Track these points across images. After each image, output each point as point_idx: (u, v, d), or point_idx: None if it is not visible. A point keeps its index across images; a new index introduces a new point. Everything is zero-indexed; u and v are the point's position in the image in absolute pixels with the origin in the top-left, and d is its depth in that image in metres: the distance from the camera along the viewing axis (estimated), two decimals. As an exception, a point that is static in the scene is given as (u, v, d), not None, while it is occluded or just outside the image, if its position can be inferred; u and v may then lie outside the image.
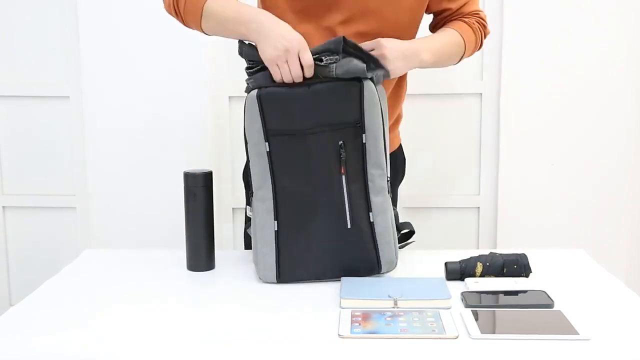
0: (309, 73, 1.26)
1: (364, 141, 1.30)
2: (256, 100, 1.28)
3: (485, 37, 1.58)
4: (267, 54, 1.27)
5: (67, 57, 2.31)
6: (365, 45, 1.35)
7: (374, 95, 1.29)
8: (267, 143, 1.30)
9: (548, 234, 2.28)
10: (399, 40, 1.40)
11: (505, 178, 2.28)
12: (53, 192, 2.39)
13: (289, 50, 1.25)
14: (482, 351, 1.02)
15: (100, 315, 1.18)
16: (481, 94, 2.27)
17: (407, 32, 1.49)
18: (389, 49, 1.36)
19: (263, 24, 1.28)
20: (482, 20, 1.57)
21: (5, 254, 2.42)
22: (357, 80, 1.28)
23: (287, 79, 1.26)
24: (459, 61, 1.55)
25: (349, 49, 1.28)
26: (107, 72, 2.26)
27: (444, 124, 2.29)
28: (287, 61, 1.25)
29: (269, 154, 1.30)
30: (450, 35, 1.51)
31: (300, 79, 1.27)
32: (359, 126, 1.29)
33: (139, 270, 1.43)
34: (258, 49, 1.29)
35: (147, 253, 1.55)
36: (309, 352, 1.04)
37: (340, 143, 1.29)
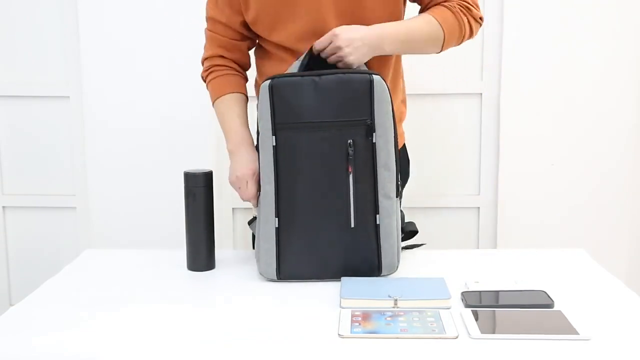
0: (253, 203, 1.41)
1: (374, 140, 1.30)
2: (268, 90, 1.30)
3: (476, 22, 1.47)
4: (229, 174, 1.47)
5: (67, 57, 2.31)
6: (322, 39, 1.35)
7: (384, 91, 1.29)
8: (274, 137, 1.30)
9: (548, 233, 2.28)
10: (357, 28, 1.35)
11: (505, 178, 2.28)
12: (53, 192, 2.39)
13: (235, 182, 1.44)
14: (482, 351, 1.02)
15: (100, 315, 1.18)
16: (481, 94, 2.27)
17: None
18: (345, 40, 1.33)
19: (231, 154, 1.49)
20: (465, 3, 1.45)
21: (5, 254, 2.42)
22: (367, 74, 1.29)
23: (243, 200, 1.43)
24: (442, 48, 1.45)
25: (317, 59, 1.37)
26: (107, 72, 2.26)
27: (444, 124, 2.29)
28: (239, 187, 1.42)
29: (275, 148, 1.31)
30: (422, 19, 1.43)
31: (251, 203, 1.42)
32: (369, 124, 1.29)
33: (139, 270, 1.43)
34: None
35: (147, 253, 1.55)
36: (308, 352, 1.04)
37: (349, 142, 1.29)
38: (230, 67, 1.54)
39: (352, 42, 1.33)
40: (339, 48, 1.33)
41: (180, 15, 2.22)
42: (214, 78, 1.54)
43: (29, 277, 2.41)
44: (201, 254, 1.42)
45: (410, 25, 1.41)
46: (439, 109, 2.29)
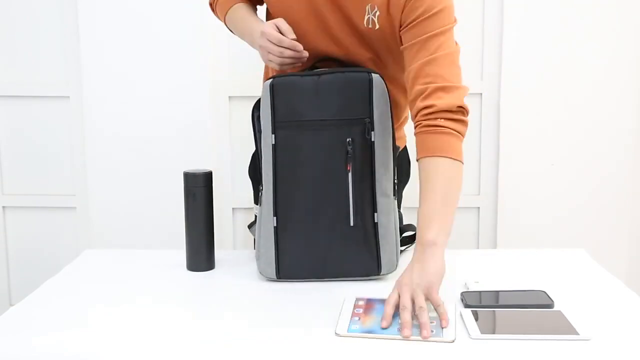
0: (289, 42, 1.32)
1: (372, 139, 1.30)
2: (269, 89, 1.30)
3: (463, 117, 1.33)
4: (260, 53, 1.39)
5: (67, 57, 2.31)
6: (390, 299, 1.14)
7: (383, 90, 1.30)
8: (273, 135, 1.31)
9: (548, 233, 2.28)
10: (417, 272, 1.18)
11: (505, 178, 2.28)
12: (53, 192, 2.39)
13: (264, 30, 1.34)
14: (482, 351, 1.02)
15: (100, 315, 1.18)
16: (481, 94, 2.27)
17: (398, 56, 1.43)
18: (418, 283, 1.15)
19: (253, 35, 1.40)
20: (440, 113, 1.27)
21: (5, 254, 2.42)
22: (367, 73, 1.30)
23: (283, 54, 1.33)
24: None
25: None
26: (107, 72, 2.26)
27: (444, 124, 2.28)
28: (268, 39, 1.33)
29: (274, 146, 1.31)
30: (443, 175, 1.25)
31: (285, 54, 1.32)
32: (368, 122, 1.30)
33: (139, 270, 1.43)
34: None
35: (147, 253, 1.56)
36: (308, 352, 1.04)
37: (348, 140, 1.29)
38: None
39: (416, 287, 1.15)
40: (408, 304, 1.12)
41: (180, 15, 2.21)
42: None
43: (29, 277, 2.41)
44: (201, 254, 1.42)
45: (444, 202, 1.23)
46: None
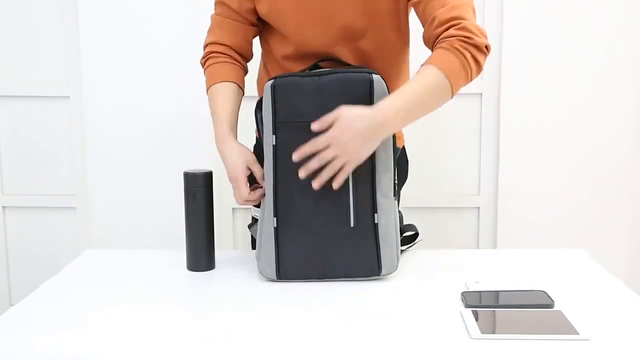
0: (255, 197, 1.36)
1: None
2: (270, 89, 1.31)
3: (480, 52, 1.30)
4: (227, 171, 1.40)
5: (67, 57, 2.31)
6: (317, 141, 1.24)
7: (383, 90, 1.31)
8: (274, 136, 1.31)
9: (548, 233, 2.28)
10: (360, 115, 1.22)
11: (505, 178, 2.28)
12: (53, 192, 2.39)
13: (233, 179, 1.38)
14: (482, 351, 1.02)
15: (100, 315, 1.18)
16: (481, 94, 2.27)
17: (395, 45, 1.48)
18: (354, 137, 1.21)
19: (220, 148, 1.42)
20: (465, 34, 1.28)
21: (5, 254, 2.42)
22: (367, 73, 1.30)
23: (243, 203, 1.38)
24: (453, 95, 1.31)
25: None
26: (107, 72, 2.26)
27: (444, 124, 2.29)
28: (236, 190, 1.38)
29: (275, 147, 1.31)
30: (424, 76, 1.28)
31: (249, 203, 1.37)
32: None
33: (139, 270, 1.43)
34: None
35: (147, 253, 1.56)
36: (308, 352, 1.04)
37: None
38: (231, 56, 1.52)
39: (346, 148, 1.22)
40: (336, 154, 1.22)
41: (180, 15, 2.22)
42: (213, 64, 1.52)
43: (29, 277, 2.41)
44: (201, 254, 1.42)
45: (414, 90, 1.27)
46: (439, 109, 2.28)
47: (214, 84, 1.49)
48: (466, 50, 1.28)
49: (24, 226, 2.41)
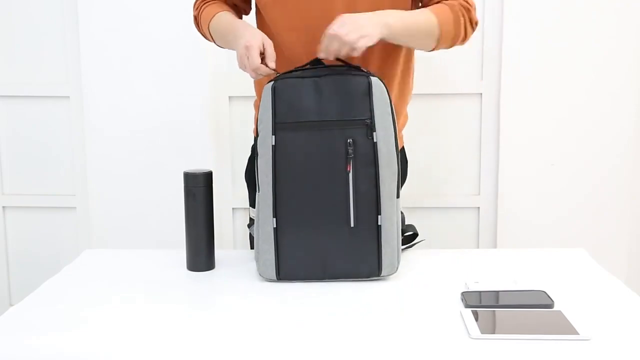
0: (264, 71, 1.34)
1: (374, 140, 1.30)
2: (270, 91, 1.31)
3: (471, 26, 1.45)
4: (237, 54, 1.38)
5: (67, 57, 2.31)
6: (331, 25, 1.31)
7: (383, 92, 1.31)
8: (273, 136, 1.31)
9: (548, 233, 2.28)
10: (357, 14, 1.33)
11: (505, 178, 2.28)
12: (53, 192, 2.39)
13: (248, 47, 1.35)
14: (482, 351, 1.02)
15: (100, 315, 1.18)
16: (481, 94, 2.27)
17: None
18: (362, 17, 1.31)
19: (237, 33, 1.41)
20: (465, 4, 1.43)
21: (5, 254, 2.42)
22: (365, 76, 1.30)
23: (249, 72, 1.35)
24: (436, 47, 1.43)
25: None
26: (107, 72, 2.26)
27: (444, 124, 2.29)
28: (247, 57, 1.35)
29: (274, 147, 1.31)
30: (422, 13, 1.41)
31: (259, 72, 1.35)
32: (369, 123, 1.30)
33: (139, 270, 1.43)
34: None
35: (147, 253, 1.55)
36: (308, 352, 1.04)
37: (349, 141, 1.29)
38: (226, 2, 1.57)
39: (348, 24, 1.30)
40: (351, 30, 1.29)
41: (180, 15, 2.21)
42: (208, 5, 1.54)
43: (29, 277, 2.41)
44: (201, 254, 1.42)
45: (411, 15, 1.40)
46: (439, 109, 2.28)
47: (215, 14, 1.50)
48: (463, 17, 1.42)
49: (24, 226, 2.41)
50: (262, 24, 1.53)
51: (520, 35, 2.20)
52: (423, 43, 1.43)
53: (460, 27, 1.42)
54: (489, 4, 2.21)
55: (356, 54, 1.31)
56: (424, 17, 1.39)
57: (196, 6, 1.58)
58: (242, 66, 1.38)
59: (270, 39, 1.40)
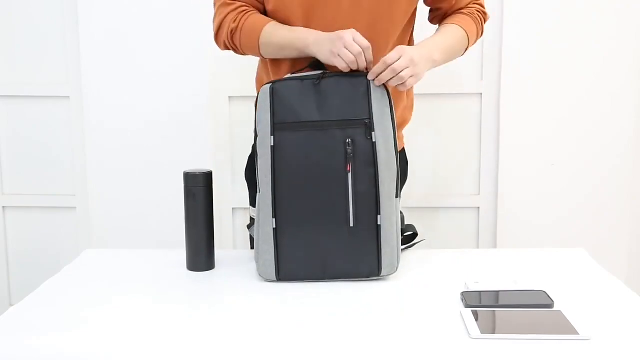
0: (369, 55, 1.33)
1: (373, 140, 1.30)
2: (269, 92, 1.31)
3: (485, 22, 1.60)
4: (325, 51, 1.35)
5: (67, 57, 2.31)
6: (391, 55, 1.33)
7: (382, 92, 1.32)
8: (272, 137, 1.31)
9: (548, 233, 2.28)
10: (414, 47, 1.40)
11: (505, 178, 2.28)
12: (53, 192, 2.39)
13: (342, 36, 1.32)
14: (482, 351, 1.02)
15: (100, 315, 1.18)
16: (481, 94, 2.27)
17: (400, 24, 1.48)
18: (417, 55, 1.35)
19: (312, 35, 1.39)
20: (481, 8, 1.58)
21: (5, 254, 2.42)
22: (364, 76, 1.31)
23: (352, 61, 1.32)
24: (464, 53, 1.56)
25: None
26: (107, 72, 2.26)
27: (444, 124, 2.29)
28: (344, 46, 1.31)
29: (273, 148, 1.31)
30: (454, 32, 1.51)
31: (364, 59, 1.33)
32: (368, 123, 1.30)
33: (139, 270, 1.43)
34: (318, 56, 1.37)
35: (147, 253, 1.55)
36: (308, 352, 1.04)
37: (348, 141, 1.30)
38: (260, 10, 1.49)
39: (419, 56, 1.36)
40: (413, 62, 1.34)
41: (180, 14, 2.21)
42: (252, 15, 1.45)
43: (29, 277, 2.41)
44: (201, 254, 1.42)
45: (444, 36, 1.50)
46: (439, 109, 2.28)
47: (267, 23, 1.44)
48: (480, 21, 1.57)
49: (24, 226, 2.41)
50: None
51: (520, 35, 2.20)
52: (456, 57, 1.55)
53: (480, 31, 1.58)
54: (489, 4, 2.20)
55: (403, 88, 1.35)
56: (458, 37, 1.51)
57: (233, 19, 1.45)
58: (335, 56, 1.33)
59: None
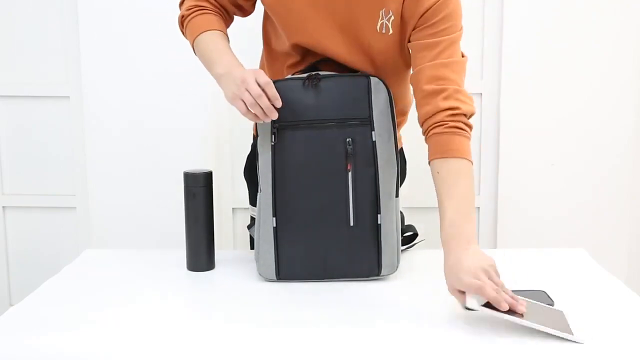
0: (272, 93, 1.24)
1: (374, 139, 1.30)
2: None
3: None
4: (228, 92, 1.29)
5: (67, 57, 2.31)
6: (497, 280, 1.14)
7: (382, 92, 1.31)
8: (272, 136, 1.31)
9: (548, 233, 2.28)
10: (469, 258, 1.17)
11: (505, 178, 2.28)
12: (53, 192, 2.39)
13: (245, 79, 1.24)
14: (482, 352, 1.02)
15: (100, 315, 1.18)
16: (481, 94, 2.26)
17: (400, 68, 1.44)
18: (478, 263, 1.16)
19: (225, 68, 1.31)
20: (469, 122, 1.34)
21: (5, 254, 2.42)
22: (365, 76, 1.30)
23: (252, 104, 1.24)
24: None
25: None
26: (107, 72, 2.26)
27: (444, 124, 2.28)
28: (247, 89, 1.24)
29: (273, 147, 1.31)
30: (461, 176, 1.29)
31: (268, 104, 1.24)
32: (368, 122, 1.30)
33: (139, 270, 1.43)
34: (224, 92, 1.31)
35: (147, 253, 1.56)
36: (308, 352, 1.04)
37: (348, 140, 1.29)
38: (217, 10, 1.43)
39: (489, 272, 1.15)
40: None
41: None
42: (202, 14, 1.40)
43: (29, 277, 2.41)
44: (201, 254, 1.42)
45: (468, 198, 1.27)
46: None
47: (206, 30, 1.39)
48: (468, 131, 1.34)
49: (24, 226, 2.41)
50: (272, 32, 1.47)
51: (520, 35, 2.20)
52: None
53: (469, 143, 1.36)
54: (489, 4, 2.21)
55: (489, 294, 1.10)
56: (466, 179, 1.29)
57: (187, 7, 1.43)
58: (232, 102, 1.29)
59: (282, 46, 1.39)
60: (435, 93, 1.29)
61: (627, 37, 2.19)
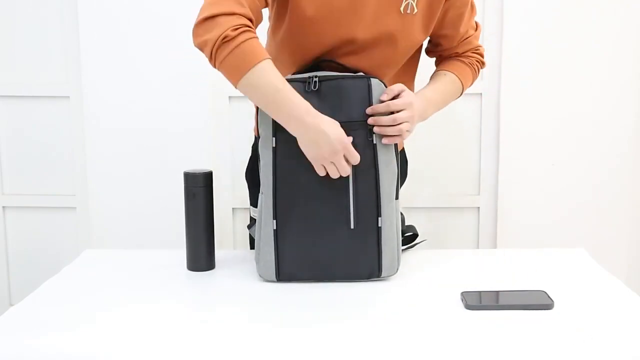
0: (353, 154, 1.27)
1: (374, 141, 1.30)
2: None
3: (482, 68, 1.61)
4: (312, 154, 1.26)
5: (67, 57, 2.31)
6: (397, 102, 1.31)
7: (383, 93, 1.31)
8: (273, 138, 1.31)
9: (548, 233, 2.28)
10: (417, 100, 1.37)
11: (505, 178, 2.28)
12: (53, 192, 2.39)
13: (336, 152, 1.25)
14: (482, 352, 1.02)
15: (100, 315, 1.18)
16: (481, 94, 2.27)
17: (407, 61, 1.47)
18: (417, 111, 1.36)
19: (304, 120, 1.24)
20: (481, 58, 1.58)
21: (5, 254, 2.42)
22: (365, 78, 1.30)
23: (334, 176, 1.28)
24: (460, 96, 1.59)
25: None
26: (107, 72, 2.26)
27: (444, 124, 2.29)
28: (333, 162, 1.26)
29: (274, 149, 1.31)
30: (450, 82, 1.52)
31: (347, 168, 1.27)
32: (368, 125, 1.30)
33: (139, 270, 1.43)
34: (299, 140, 1.26)
35: (147, 253, 1.56)
36: (308, 352, 1.04)
37: None
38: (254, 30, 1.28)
39: (419, 113, 1.38)
40: (412, 119, 1.35)
41: (180, 15, 2.21)
42: (250, 39, 1.23)
43: (29, 277, 2.41)
44: (201, 254, 1.42)
45: (442, 90, 1.51)
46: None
47: (262, 60, 1.22)
48: (478, 71, 1.58)
49: (24, 226, 2.41)
50: (280, 27, 1.42)
51: (520, 35, 2.20)
52: (452, 101, 1.57)
53: (476, 76, 1.59)
54: (489, 4, 2.21)
55: (387, 141, 1.32)
56: (453, 91, 1.53)
57: (235, 25, 1.22)
58: (326, 161, 1.25)
59: (293, 38, 1.38)
60: (473, 47, 1.56)
61: (627, 37, 2.19)
